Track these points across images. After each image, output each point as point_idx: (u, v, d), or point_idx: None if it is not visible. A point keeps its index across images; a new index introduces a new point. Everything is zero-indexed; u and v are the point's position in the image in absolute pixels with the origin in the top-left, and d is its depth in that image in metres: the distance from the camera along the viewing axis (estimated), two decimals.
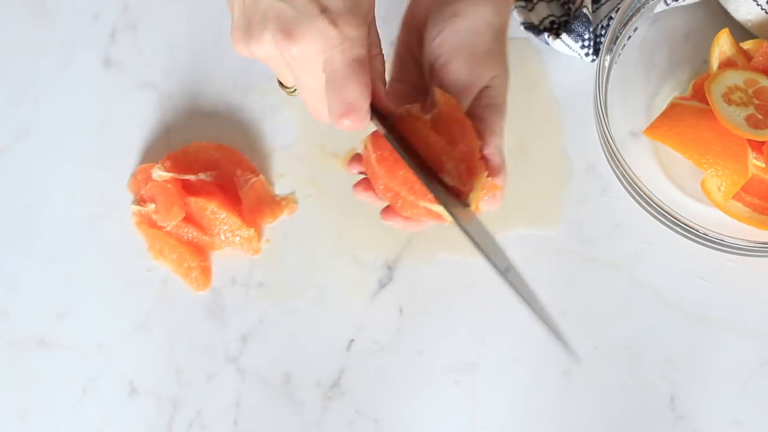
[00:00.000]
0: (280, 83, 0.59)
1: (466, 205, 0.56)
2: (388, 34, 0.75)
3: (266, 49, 0.54)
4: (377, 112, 0.57)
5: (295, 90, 0.59)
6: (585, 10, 0.70)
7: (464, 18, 0.58)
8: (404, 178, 0.56)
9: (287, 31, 0.53)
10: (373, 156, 0.57)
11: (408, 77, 0.62)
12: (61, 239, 0.70)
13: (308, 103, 0.57)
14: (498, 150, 0.58)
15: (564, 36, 0.70)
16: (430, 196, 0.56)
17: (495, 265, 0.55)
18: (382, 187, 0.57)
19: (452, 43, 0.58)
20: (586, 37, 0.70)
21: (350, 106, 0.56)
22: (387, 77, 0.60)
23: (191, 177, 0.69)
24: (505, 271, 0.56)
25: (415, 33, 0.61)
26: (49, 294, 0.69)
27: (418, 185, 0.56)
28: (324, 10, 0.53)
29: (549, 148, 0.72)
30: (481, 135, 0.57)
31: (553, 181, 0.71)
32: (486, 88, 0.58)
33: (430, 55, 0.59)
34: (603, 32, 0.72)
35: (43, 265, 0.70)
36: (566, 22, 0.71)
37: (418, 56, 0.61)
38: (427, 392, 0.67)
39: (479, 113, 0.59)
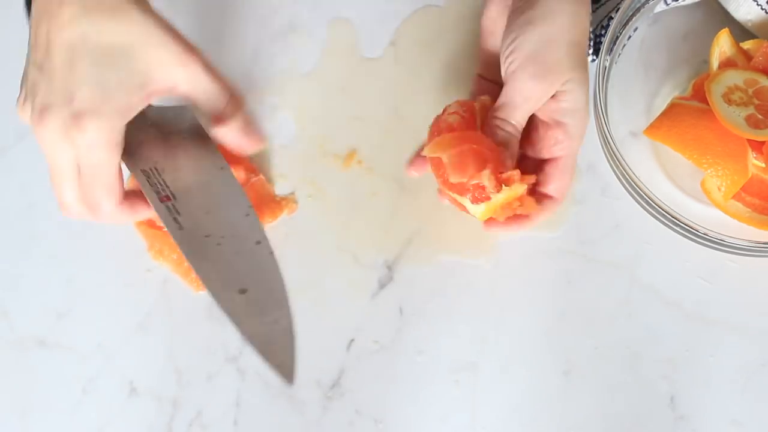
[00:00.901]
0: None
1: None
2: (386, 34, 0.75)
3: (29, 121, 0.55)
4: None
5: None
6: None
7: (537, 26, 0.60)
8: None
9: (40, 112, 0.52)
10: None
11: (490, 74, 0.66)
12: (61, 239, 0.70)
13: (56, 193, 0.56)
14: (562, 187, 0.63)
15: None
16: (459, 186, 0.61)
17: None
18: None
19: (524, 51, 0.60)
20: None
21: (95, 208, 0.56)
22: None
23: None
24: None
25: (491, 37, 0.65)
26: (49, 294, 0.69)
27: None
28: (71, 101, 0.52)
29: None
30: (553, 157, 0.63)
31: None
32: (561, 92, 0.61)
33: (504, 61, 0.61)
34: (603, 32, 0.72)
35: (43, 265, 0.70)
36: None
37: (497, 59, 0.63)
38: (427, 392, 0.67)
39: (557, 118, 0.61)
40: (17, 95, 0.57)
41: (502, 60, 0.62)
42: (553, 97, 0.61)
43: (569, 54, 0.60)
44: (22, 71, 0.58)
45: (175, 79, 0.55)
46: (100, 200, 0.55)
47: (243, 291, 0.56)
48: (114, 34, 0.52)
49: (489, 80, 0.67)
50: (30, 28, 0.55)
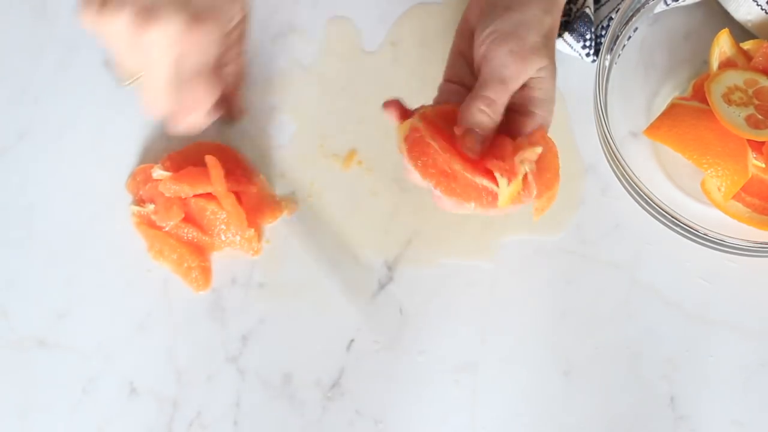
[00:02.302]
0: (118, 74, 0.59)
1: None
2: (386, 33, 0.75)
3: (119, 25, 0.54)
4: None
5: (131, 82, 0.59)
6: (587, 10, 0.70)
7: (516, 11, 0.60)
8: (458, 152, 0.58)
9: (148, 14, 0.53)
10: (426, 132, 0.58)
11: (459, 78, 0.63)
12: (61, 239, 0.70)
13: (148, 92, 0.57)
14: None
15: (566, 35, 0.70)
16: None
17: None
18: (431, 168, 0.58)
19: (502, 31, 0.60)
20: (588, 36, 0.70)
21: (192, 106, 0.57)
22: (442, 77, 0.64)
23: None
24: None
25: (467, 39, 0.63)
26: (49, 294, 0.69)
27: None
28: (188, 3, 0.54)
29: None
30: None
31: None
32: (534, 79, 0.60)
33: (480, 46, 0.60)
34: (603, 32, 0.72)
35: (43, 265, 0.70)
36: (567, 23, 0.71)
37: (469, 60, 0.63)
38: (428, 392, 0.67)
39: (528, 107, 0.60)
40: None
41: (477, 45, 0.60)
42: (524, 85, 0.60)
43: (544, 41, 0.60)
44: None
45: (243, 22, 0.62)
46: (198, 100, 0.58)
47: None
48: None
49: (455, 83, 0.64)
50: None
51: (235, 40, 0.64)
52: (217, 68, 0.59)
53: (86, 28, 0.55)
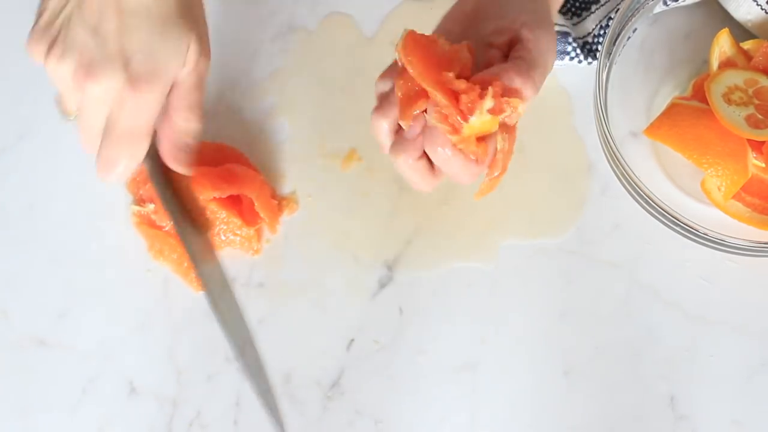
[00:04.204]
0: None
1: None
2: (386, 32, 0.75)
3: (62, 73, 0.56)
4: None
5: (73, 119, 0.59)
6: (557, 27, 0.70)
7: None
8: (445, 76, 0.54)
9: (87, 69, 0.55)
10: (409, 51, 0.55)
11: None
12: (61, 239, 0.70)
13: (81, 134, 0.58)
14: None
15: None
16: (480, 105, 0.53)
17: (233, 341, 0.59)
18: (414, 92, 0.55)
19: None
20: (569, 50, 0.71)
21: (112, 165, 0.57)
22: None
23: None
24: (243, 347, 0.59)
25: (458, 25, 0.61)
26: (49, 294, 0.69)
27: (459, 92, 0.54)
28: (126, 66, 0.55)
29: (564, 156, 0.72)
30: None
31: (570, 189, 0.71)
32: (517, 41, 0.57)
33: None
34: (602, 33, 0.72)
35: (43, 265, 0.70)
36: None
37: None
38: (427, 392, 0.67)
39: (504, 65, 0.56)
40: (29, 34, 0.58)
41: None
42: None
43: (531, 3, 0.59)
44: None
45: (199, 66, 0.59)
46: (121, 159, 0.57)
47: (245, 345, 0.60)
48: (168, 6, 0.57)
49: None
50: None
51: (189, 88, 0.59)
52: (165, 117, 0.59)
53: (34, 62, 0.57)
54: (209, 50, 0.60)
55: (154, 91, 0.56)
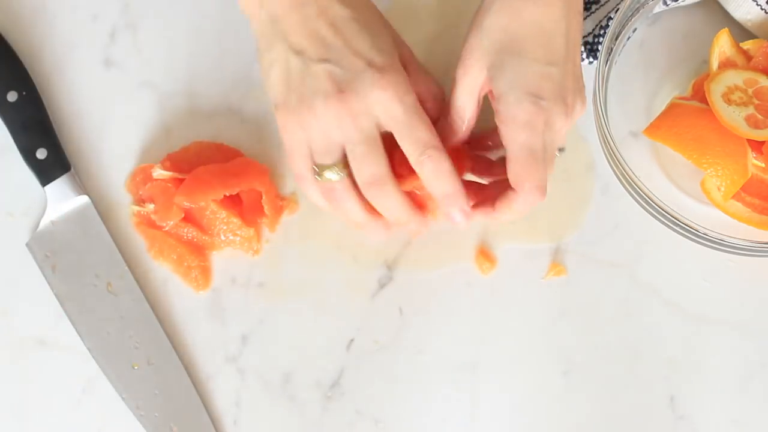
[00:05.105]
0: (318, 171, 0.61)
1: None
2: None
3: (320, 114, 0.57)
4: None
5: (337, 174, 0.60)
6: None
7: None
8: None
9: (341, 88, 0.57)
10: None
11: None
12: None
13: (360, 166, 0.59)
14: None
15: None
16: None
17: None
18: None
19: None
20: None
21: (425, 144, 0.58)
22: None
23: None
24: None
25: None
26: (49, 294, 0.69)
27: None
28: (370, 64, 0.57)
29: (564, 156, 0.72)
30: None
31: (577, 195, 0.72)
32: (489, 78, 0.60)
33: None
34: (602, 33, 0.72)
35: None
36: None
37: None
38: (427, 392, 0.67)
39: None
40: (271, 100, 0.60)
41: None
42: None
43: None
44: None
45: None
46: (430, 135, 0.59)
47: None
48: (366, 10, 0.60)
49: None
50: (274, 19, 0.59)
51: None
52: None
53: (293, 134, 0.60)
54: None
55: (402, 72, 0.59)
